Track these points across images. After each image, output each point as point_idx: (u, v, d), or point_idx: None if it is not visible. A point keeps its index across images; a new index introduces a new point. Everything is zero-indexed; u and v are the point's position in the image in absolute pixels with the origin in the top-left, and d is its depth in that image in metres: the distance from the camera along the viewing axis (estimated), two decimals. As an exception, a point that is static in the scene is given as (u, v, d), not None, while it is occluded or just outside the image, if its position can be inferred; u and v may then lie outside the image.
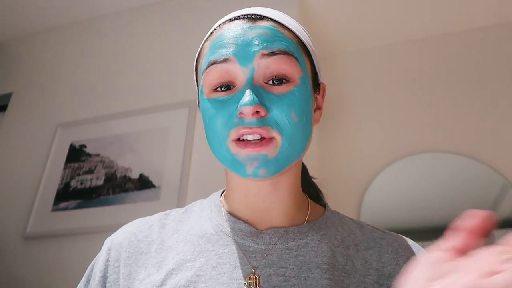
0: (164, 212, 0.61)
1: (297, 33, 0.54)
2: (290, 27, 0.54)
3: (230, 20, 0.53)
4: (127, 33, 1.93)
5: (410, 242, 0.56)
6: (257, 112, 0.47)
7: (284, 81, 0.50)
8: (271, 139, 0.48)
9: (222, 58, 0.49)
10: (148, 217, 0.61)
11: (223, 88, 0.50)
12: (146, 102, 1.67)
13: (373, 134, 1.84)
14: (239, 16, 0.53)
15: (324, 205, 0.61)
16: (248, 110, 0.46)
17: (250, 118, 0.47)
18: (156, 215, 0.61)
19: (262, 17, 0.52)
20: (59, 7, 2.00)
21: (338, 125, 1.90)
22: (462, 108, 1.77)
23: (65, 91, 1.88)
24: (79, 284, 0.57)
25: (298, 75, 0.50)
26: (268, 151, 0.47)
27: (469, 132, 1.71)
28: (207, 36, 0.56)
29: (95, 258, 0.59)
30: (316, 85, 0.57)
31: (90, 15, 2.05)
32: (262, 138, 0.48)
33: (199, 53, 0.56)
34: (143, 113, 1.63)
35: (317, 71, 0.57)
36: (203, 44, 0.56)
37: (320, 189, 0.66)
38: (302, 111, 0.50)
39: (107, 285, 0.53)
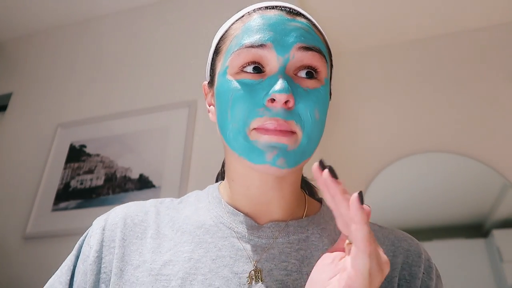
0: (159, 199, 0.60)
1: (326, 38, 0.56)
2: (321, 30, 0.56)
3: (266, 8, 0.54)
4: (127, 33, 1.93)
5: (404, 234, 0.57)
6: (287, 101, 0.47)
7: (314, 73, 0.50)
8: (293, 132, 0.48)
9: (259, 43, 0.49)
10: (142, 201, 0.60)
11: (252, 70, 0.49)
12: (146, 102, 1.67)
13: (373, 134, 1.84)
14: (277, 7, 0.54)
15: (319, 200, 0.61)
16: (282, 97, 0.46)
17: (278, 108, 0.47)
18: (150, 200, 0.60)
19: (299, 13, 0.54)
20: (58, 7, 2.00)
21: (338, 125, 1.90)
22: (462, 108, 1.77)
23: (65, 91, 1.88)
24: (64, 263, 0.55)
25: (325, 76, 0.52)
26: (288, 142, 0.47)
27: (469, 132, 1.71)
28: (237, 18, 0.55)
29: (84, 237, 0.57)
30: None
31: (90, 15, 2.05)
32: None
33: (226, 33, 0.55)
34: (143, 113, 1.63)
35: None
36: (232, 25, 0.55)
37: (313, 184, 0.66)
38: (323, 111, 0.51)
39: (102, 265, 0.52)
